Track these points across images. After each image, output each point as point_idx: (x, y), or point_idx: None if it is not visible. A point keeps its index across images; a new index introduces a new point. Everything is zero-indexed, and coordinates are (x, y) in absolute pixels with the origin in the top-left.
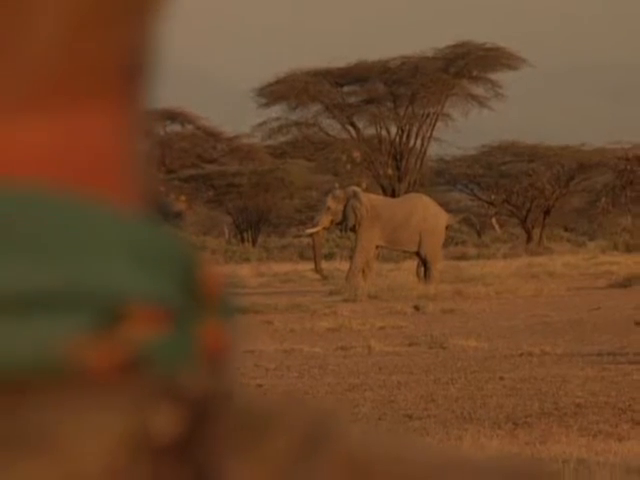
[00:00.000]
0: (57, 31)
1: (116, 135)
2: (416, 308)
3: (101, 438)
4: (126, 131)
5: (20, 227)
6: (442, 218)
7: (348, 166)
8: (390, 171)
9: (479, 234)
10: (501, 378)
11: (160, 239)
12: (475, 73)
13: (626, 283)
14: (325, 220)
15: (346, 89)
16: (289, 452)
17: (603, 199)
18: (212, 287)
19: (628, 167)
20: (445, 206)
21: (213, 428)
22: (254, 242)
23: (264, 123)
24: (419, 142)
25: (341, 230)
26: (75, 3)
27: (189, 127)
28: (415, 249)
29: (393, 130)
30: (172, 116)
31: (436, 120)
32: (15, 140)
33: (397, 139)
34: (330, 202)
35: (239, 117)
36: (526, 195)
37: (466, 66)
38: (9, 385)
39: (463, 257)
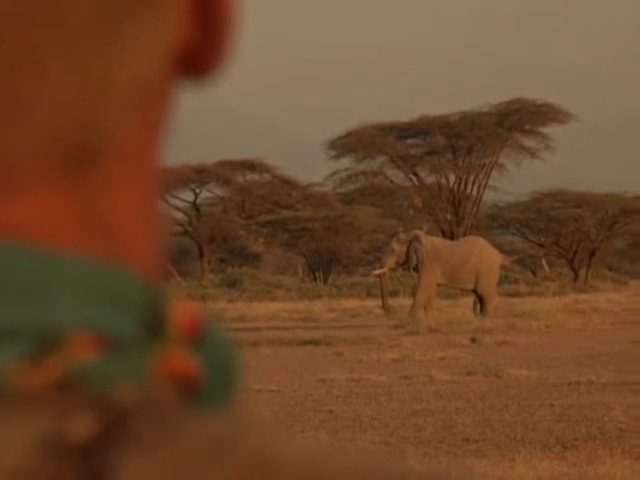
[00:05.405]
0: None
1: (64, 211)
2: (473, 340)
3: (15, 442)
4: (80, 208)
5: None
6: (497, 259)
7: (411, 212)
8: (449, 216)
9: (534, 273)
10: (551, 405)
11: (117, 281)
12: (527, 127)
13: None
14: (390, 262)
15: (409, 142)
16: (192, 454)
17: None
18: (182, 324)
19: None
20: (499, 248)
21: (124, 432)
22: (325, 280)
23: (335, 173)
24: (476, 190)
25: (405, 269)
26: None
27: (267, 176)
28: (472, 287)
29: (452, 179)
30: (252, 166)
31: (491, 170)
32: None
33: (455, 187)
34: (395, 245)
35: (312, 167)
36: (573, 238)
37: (519, 121)
38: None
39: (516, 294)
